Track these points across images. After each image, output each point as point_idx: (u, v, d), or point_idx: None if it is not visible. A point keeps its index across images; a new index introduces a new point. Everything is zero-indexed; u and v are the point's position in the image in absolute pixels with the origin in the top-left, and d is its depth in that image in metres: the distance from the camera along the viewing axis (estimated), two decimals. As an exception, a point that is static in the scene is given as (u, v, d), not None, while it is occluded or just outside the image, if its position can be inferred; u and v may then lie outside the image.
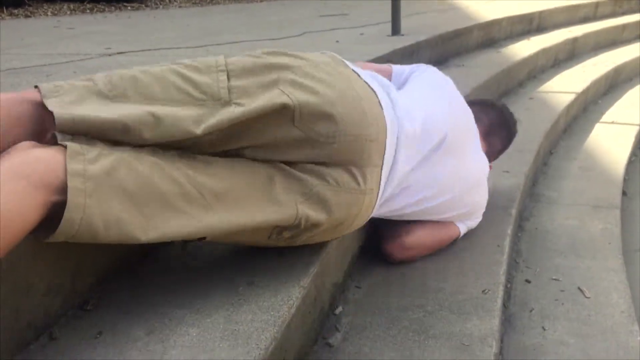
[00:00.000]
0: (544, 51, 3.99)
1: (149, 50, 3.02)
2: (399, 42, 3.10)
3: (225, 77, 1.06)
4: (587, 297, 1.59)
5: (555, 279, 1.70)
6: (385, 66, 1.67)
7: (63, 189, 0.86)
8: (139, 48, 3.09)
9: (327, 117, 1.07)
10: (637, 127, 3.25)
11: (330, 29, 3.77)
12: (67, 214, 0.85)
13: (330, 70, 1.14)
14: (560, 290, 1.64)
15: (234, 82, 1.06)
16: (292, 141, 1.07)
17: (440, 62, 3.41)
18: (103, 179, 0.90)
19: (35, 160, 0.87)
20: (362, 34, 3.59)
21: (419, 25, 3.74)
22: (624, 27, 5.24)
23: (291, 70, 1.09)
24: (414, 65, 1.67)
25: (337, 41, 3.26)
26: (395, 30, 3.43)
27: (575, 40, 4.49)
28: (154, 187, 0.95)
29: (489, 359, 1.12)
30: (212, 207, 1.00)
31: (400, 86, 1.56)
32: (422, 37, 3.24)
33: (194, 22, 4.69)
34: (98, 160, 0.91)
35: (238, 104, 1.03)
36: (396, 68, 1.65)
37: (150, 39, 3.52)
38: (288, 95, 1.05)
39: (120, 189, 0.92)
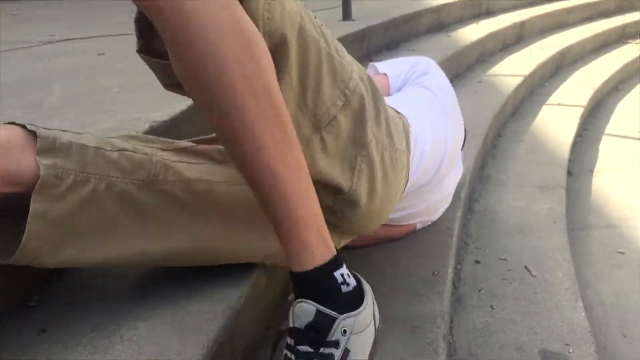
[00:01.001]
0: (493, 35, 4.05)
1: (97, 37, 2.94)
2: (350, 27, 3.10)
3: (342, 103, 0.97)
4: (533, 276, 1.64)
5: (503, 259, 1.75)
6: (380, 77, 1.58)
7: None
8: (87, 34, 3.00)
9: (357, 208, 1.07)
10: (582, 109, 3.35)
11: (281, 14, 3.74)
12: (18, 255, 0.84)
13: (399, 163, 1.12)
14: (508, 269, 1.68)
15: (340, 117, 0.97)
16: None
17: (391, 46, 3.44)
18: (64, 221, 0.87)
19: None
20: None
21: (370, 10, 3.74)
22: (569, 10, 5.36)
23: (378, 148, 1.05)
24: (412, 61, 1.59)
25: (288, 26, 3.24)
26: (346, 15, 3.43)
27: (522, 23, 4.57)
28: (118, 228, 0.92)
29: (437, 339, 1.15)
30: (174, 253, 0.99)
31: (399, 87, 1.52)
32: (373, 22, 3.25)
33: (142, 7, 4.57)
34: (68, 195, 0.86)
35: (323, 141, 0.97)
36: (392, 74, 1.56)
37: (99, 25, 3.42)
38: (353, 179, 1.02)
39: (80, 230, 0.89)
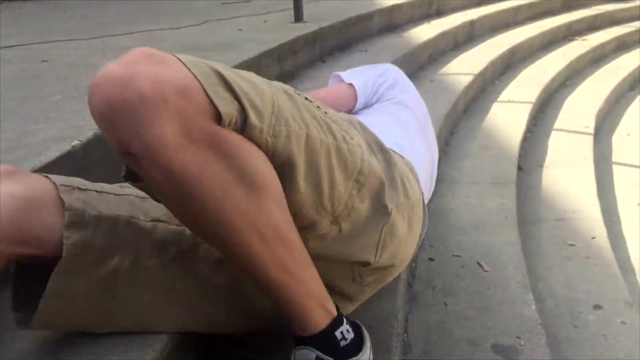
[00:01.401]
0: (444, 34, 4.11)
1: (41, 43, 2.86)
2: (301, 29, 3.10)
3: (357, 192, 0.92)
4: (485, 271, 1.66)
5: (456, 256, 1.77)
6: (348, 91, 1.48)
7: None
8: (31, 41, 2.92)
9: (391, 268, 1.07)
10: (531, 105, 3.42)
11: (232, 17, 3.71)
12: (33, 324, 0.84)
13: (416, 216, 1.10)
14: (461, 266, 1.71)
15: (357, 203, 0.93)
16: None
17: (343, 48, 3.45)
18: (82, 298, 0.86)
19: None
20: (265, 21, 3.56)
21: (322, 12, 3.75)
22: (517, 9, 5.47)
23: (399, 212, 1.02)
24: (379, 71, 1.52)
25: (240, 29, 3.22)
26: (298, 17, 3.43)
27: (472, 23, 4.65)
28: (136, 304, 0.91)
29: (390, 338, 1.15)
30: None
31: (369, 98, 1.47)
32: (324, 24, 3.26)
33: (89, 12, 4.49)
34: (88, 272, 0.84)
35: (341, 229, 0.93)
36: (359, 84, 1.48)
37: (42, 31, 3.33)
38: (376, 252, 0.99)
39: (98, 306, 0.88)
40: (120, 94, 0.67)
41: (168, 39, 2.94)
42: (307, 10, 3.50)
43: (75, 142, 1.24)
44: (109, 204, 0.89)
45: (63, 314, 0.86)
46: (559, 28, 5.39)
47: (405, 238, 1.06)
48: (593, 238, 2.18)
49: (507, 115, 3.26)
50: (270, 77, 2.59)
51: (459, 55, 4.09)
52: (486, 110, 3.39)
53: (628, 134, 3.76)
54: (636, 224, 2.61)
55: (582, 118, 3.61)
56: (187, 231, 0.93)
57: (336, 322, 0.92)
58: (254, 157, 0.77)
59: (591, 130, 3.42)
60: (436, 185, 2.33)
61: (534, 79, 4.03)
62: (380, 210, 0.97)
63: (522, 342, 1.35)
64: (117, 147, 0.70)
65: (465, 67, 3.72)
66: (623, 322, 1.70)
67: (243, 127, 0.75)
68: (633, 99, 4.51)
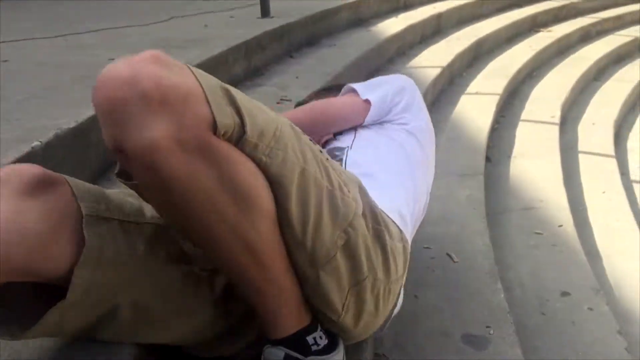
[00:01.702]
0: (411, 28, 4.13)
1: (1, 42, 2.79)
2: (268, 25, 3.09)
3: (342, 243, 0.90)
4: (455, 262, 1.68)
5: (427, 247, 1.78)
6: (362, 106, 1.41)
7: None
8: (-10, 40, 2.86)
9: (344, 331, 1.03)
10: (498, 96, 3.46)
11: (198, 12, 3.67)
12: (33, 330, 0.80)
13: (392, 294, 1.07)
14: (431, 257, 1.72)
15: (339, 256, 0.90)
16: None
17: (311, 42, 3.44)
18: (87, 308, 0.83)
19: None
20: (231, 17, 3.53)
21: (289, 7, 3.73)
22: (483, 2, 5.53)
23: (372, 284, 0.98)
24: (396, 86, 1.44)
25: (206, 25, 3.19)
26: (265, 12, 3.41)
27: (439, 15, 4.68)
28: (124, 328, 0.89)
29: (361, 333, 1.15)
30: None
31: (382, 116, 1.42)
32: (291, 19, 3.25)
33: (52, 10, 4.40)
34: (86, 305, 0.82)
35: (319, 278, 0.91)
36: (376, 100, 1.40)
37: (6, 30, 3.26)
38: (341, 314, 0.97)
39: (89, 326, 0.86)
40: (123, 93, 0.69)
41: (134, 36, 2.90)
42: (273, 5, 3.48)
43: (36, 143, 1.22)
44: (128, 236, 0.85)
45: (54, 332, 0.86)
46: (524, 20, 5.46)
47: (373, 312, 1.03)
48: (560, 226, 2.22)
49: (475, 107, 3.29)
50: (238, 73, 2.59)
51: (427, 48, 4.12)
52: (454, 102, 3.42)
53: (593, 123, 3.83)
54: (602, 211, 2.66)
55: (548, 108, 3.66)
56: (194, 274, 0.93)
57: (310, 328, 0.94)
58: (244, 168, 0.78)
59: (557, 120, 3.47)
60: (406, 178, 2.35)
61: (500, 70, 4.07)
62: (356, 272, 0.95)
63: (492, 332, 1.37)
64: (110, 142, 0.71)
65: (433, 59, 3.74)
66: (590, 309, 1.73)
67: (238, 141, 0.77)
68: (597, 88, 4.59)
